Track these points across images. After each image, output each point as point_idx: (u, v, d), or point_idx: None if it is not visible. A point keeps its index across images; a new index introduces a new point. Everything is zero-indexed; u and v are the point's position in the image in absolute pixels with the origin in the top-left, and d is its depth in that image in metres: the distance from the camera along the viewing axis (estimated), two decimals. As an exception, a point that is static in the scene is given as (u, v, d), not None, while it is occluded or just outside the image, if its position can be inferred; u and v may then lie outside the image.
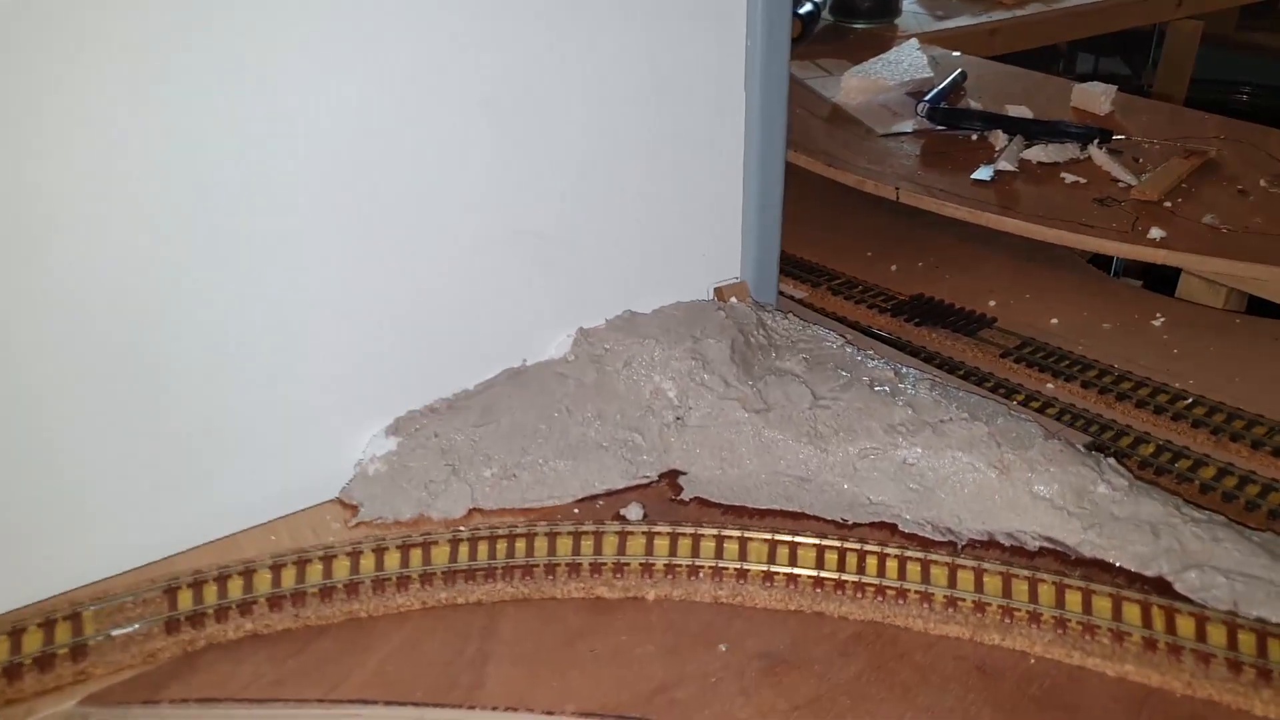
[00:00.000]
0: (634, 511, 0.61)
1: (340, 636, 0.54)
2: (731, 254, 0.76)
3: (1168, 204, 0.94)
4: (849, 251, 1.03)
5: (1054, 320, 0.88)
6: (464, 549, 0.58)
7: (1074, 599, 0.53)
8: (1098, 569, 0.57)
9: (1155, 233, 0.88)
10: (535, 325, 0.70)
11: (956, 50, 1.46)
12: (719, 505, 0.63)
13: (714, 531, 0.58)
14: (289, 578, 0.56)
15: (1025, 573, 0.55)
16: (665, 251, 0.73)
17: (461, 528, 0.60)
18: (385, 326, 0.64)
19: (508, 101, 0.63)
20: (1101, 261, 1.09)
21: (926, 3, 1.69)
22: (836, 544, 0.57)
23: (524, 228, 0.67)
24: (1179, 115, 1.19)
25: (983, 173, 1.01)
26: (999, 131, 1.09)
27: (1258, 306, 0.93)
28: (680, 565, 0.56)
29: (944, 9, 1.65)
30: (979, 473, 0.61)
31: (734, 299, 0.75)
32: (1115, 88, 1.19)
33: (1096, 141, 1.05)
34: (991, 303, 0.91)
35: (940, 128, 1.14)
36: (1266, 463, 0.68)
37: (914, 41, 1.40)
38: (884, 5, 1.57)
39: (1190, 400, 0.74)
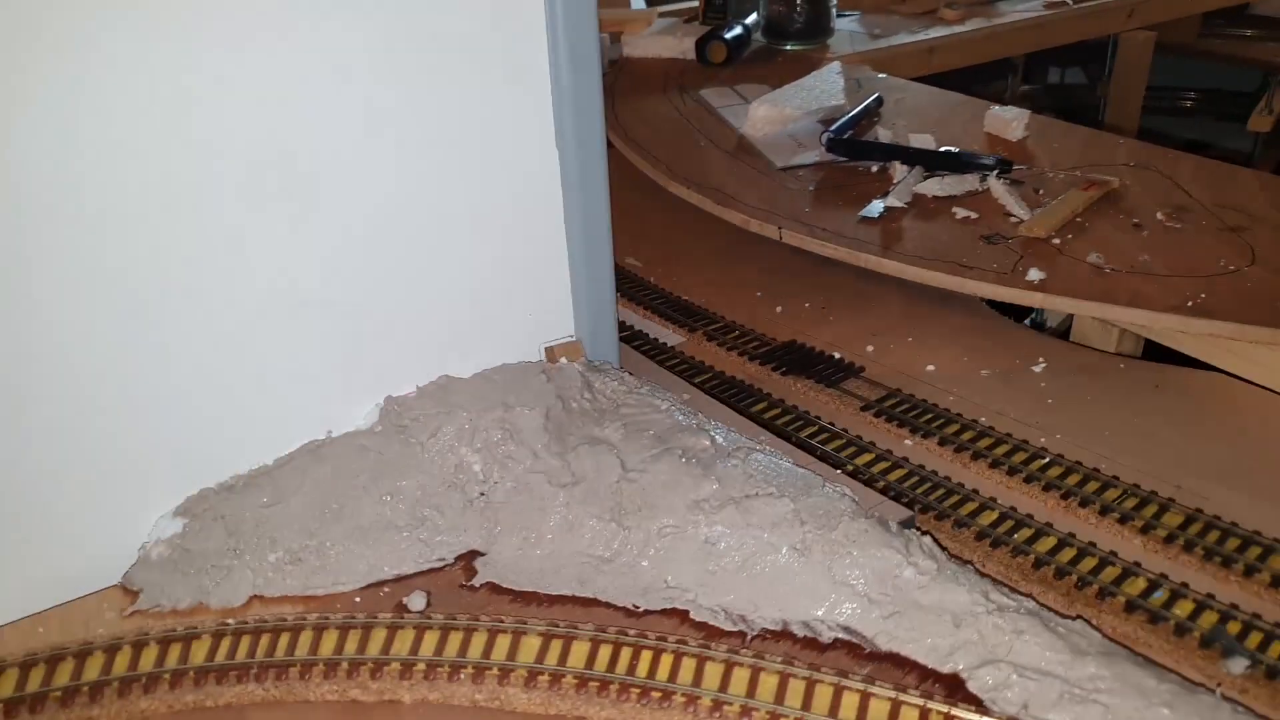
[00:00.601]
0: (416, 601, 0.58)
1: (74, 747, 0.51)
2: (563, 312, 0.73)
3: (1056, 241, 0.90)
4: (739, 293, 0.99)
5: (930, 367, 0.84)
6: (225, 644, 0.55)
7: (849, 703, 0.49)
8: (891, 664, 0.53)
9: (1034, 274, 0.84)
10: (340, 394, 0.67)
11: (893, 71, 1.42)
12: (510, 592, 0.59)
13: (489, 625, 0.55)
14: (35, 680, 0.54)
15: (804, 673, 0.51)
16: (487, 312, 0.70)
17: (231, 620, 0.57)
18: (174, 398, 0.61)
19: (303, 157, 0.60)
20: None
21: (865, 21, 1.65)
22: (613, 638, 0.54)
23: (322, 293, 0.64)
24: (1094, 141, 1.15)
25: (872, 209, 0.98)
26: (898, 163, 1.05)
27: (1158, 347, 0.89)
28: (442, 665, 0.53)
29: (881, 28, 1.61)
30: (779, 554, 0.57)
31: (564, 359, 0.72)
32: (1028, 113, 1.15)
33: (996, 172, 1.01)
34: (869, 348, 0.88)
35: (842, 159, 1.10)
36: (1111, 531, 0.64)
37: (835, 65, 1.36)
38: (815, 26, 1.54)
39: (1046, 460, 0.70)
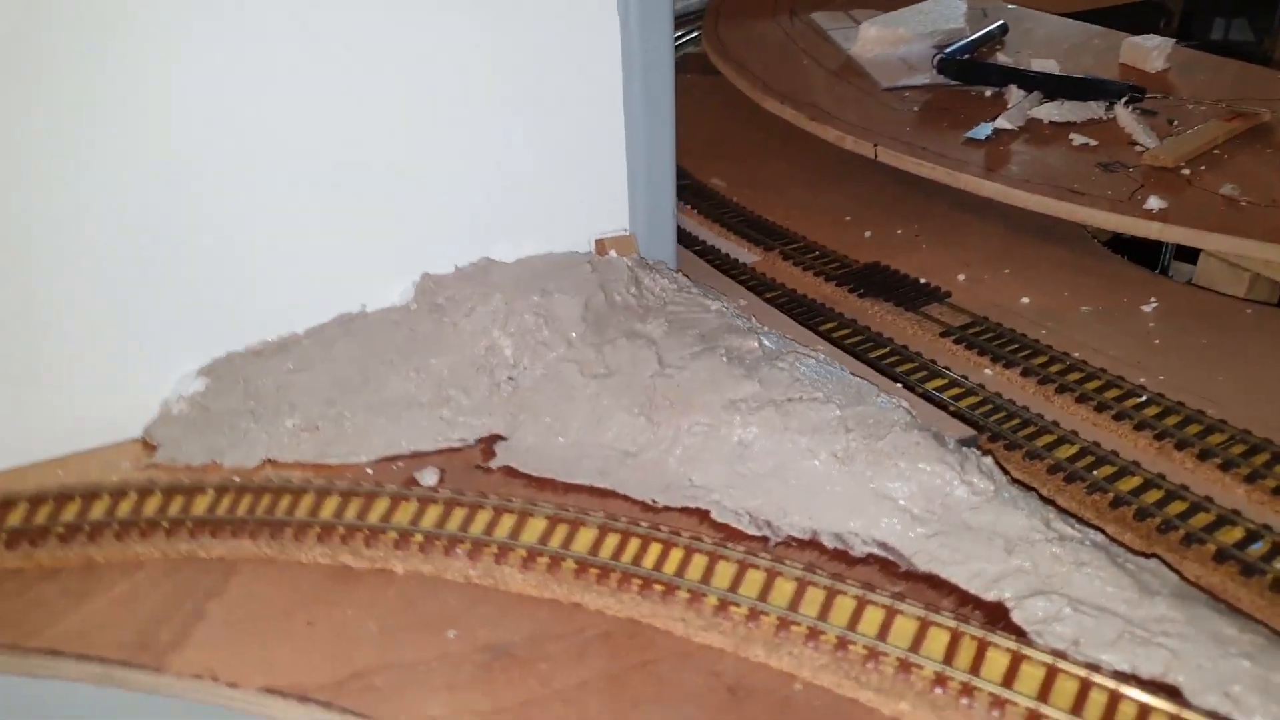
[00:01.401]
0: (428, 476, 0.55)
1: (67, 581, 0.50)
2: (617, 204, 0.68)
3: (1185, 171, 0.80)
4: (826, 216, 0.93)
5: (1025, 299, 0.76)
6: (226, 500, 0.53)
7: (872, 618, 0.44)
8: (927, 585, 0.47)
9: (1154, 203, 0.75)
10: (379, 269, 0.64)
11: (1029, 6, 1.31)
12: (526, 477, 0.56)
13: (495, 504, 0.52)
14: (41, 515, 0.53)
15: (825, 582, 0.46)
16: (534, 197, 0.66)
17: (235, 478, 0.55)
18: (209, 260, 0.59)
19: (345, 24, 0.57)
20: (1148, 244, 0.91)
21: (1001, -46, 1.53)
22: (623, 528, 0.49)
23: (365, 164, 0.61)
24: (1248, 75, 1.03)
25: (979, 131, 0.89)
26: (1013, 87, 0.96)
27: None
28: (440, 539, 0.50)
29: (1018, -40, 1.49)
30: (816, 460, 0.52)
31: (613, 252, 0.67)
32: (1171, 42, 1.03)
33: (1124, 100, 0.91)
34: (960, 277, 0.80)
35: (954, 83, 1.02)
36: (1209, 476, 0.56)
37: (962, -9, 1.26)
38: (944, -45, 1.43)
39: (1143, 399, 0.62)
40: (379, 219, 0.63)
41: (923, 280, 0.79)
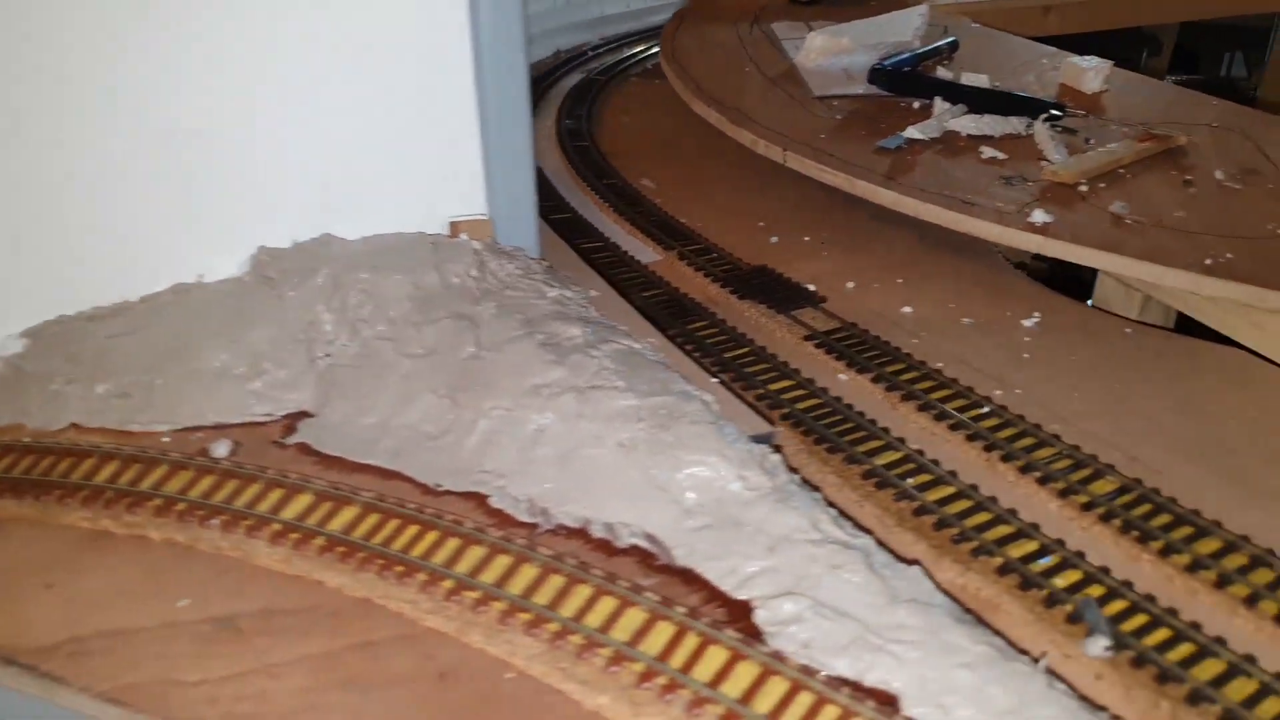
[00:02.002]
0: (219, 448, 0.54)
1: None
2: (476, 188, 0.67)
3: (1084, 187, 0.78)
4: (740, 222, 0.91)
5: (906, 309, 0.74)
6: (5, 461, 0.53)
7: (601, 610, 0.42)
8: (680, 581, 0.45)
9: (1039, 216, 0.72)
10: (220, 241, 0.64)
11: (1008, 30, 1.29)
12: (317, 454, 0.54)
13: (269, 478, 0.50)
14: None
15: (569, 570, 0.44)
16: (383, 174, 0.65)
17: (27, 439, 0.55)
18: (44, 224, 0.60)
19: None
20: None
21: (978, -25, 1.51)
22: (386, 508, 0.48)
23: (206, 132, 0.61)
24: (1183, 100, 1.00)
25: (890, 141, 0.87)
26: (938, 99, 0.94)
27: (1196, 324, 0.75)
28: (202, 509, 0.49)
29: (994, -19, 1.47)
30: (603, 449, 0.50)
31: (464, 235, 0.66)
32: (1110, 64, 1.01)
33: (1043, 117, 0.89)
34: (850, 284, 0.78)
35: (885, 93, 1.00)
36: (1027, 490, 0.53)
37: (922, 8, 1.24)
38: (916, -28, 1.41)
39: (985, 410, 0.60)
40: (218, 189, 0.62)
41: (807, 286, 0.77)
